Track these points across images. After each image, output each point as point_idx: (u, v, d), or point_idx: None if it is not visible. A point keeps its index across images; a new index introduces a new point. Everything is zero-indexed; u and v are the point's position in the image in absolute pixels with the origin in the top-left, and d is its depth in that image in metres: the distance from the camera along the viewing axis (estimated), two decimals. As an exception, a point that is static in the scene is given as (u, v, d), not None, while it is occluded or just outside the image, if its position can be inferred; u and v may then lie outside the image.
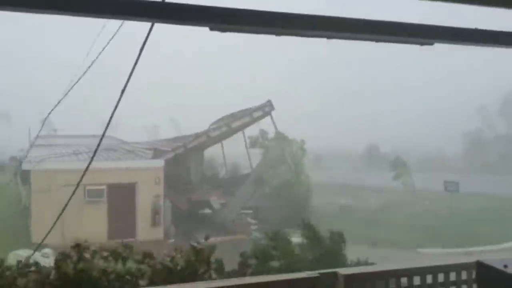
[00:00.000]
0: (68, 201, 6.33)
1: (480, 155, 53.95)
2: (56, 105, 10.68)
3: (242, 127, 28.59)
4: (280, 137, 29.54)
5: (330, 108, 66.06)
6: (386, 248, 22.38)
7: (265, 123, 28.66)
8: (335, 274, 3.82)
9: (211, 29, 2.06)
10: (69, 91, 9.38)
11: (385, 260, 14.09)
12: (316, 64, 73.92)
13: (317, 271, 3.76)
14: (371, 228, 26.36)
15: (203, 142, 27.71)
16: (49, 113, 11.90)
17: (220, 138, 30.43)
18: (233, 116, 28.41)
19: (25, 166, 23.88)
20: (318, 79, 73.80)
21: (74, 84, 9.04)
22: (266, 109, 27.26)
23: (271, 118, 27.93)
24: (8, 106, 63.43)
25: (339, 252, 8.20)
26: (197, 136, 27.34)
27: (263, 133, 30.02)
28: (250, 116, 27.25)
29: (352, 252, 10.75)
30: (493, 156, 52.32)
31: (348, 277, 3.80)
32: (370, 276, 4.02)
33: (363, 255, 10.46)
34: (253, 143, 29.82)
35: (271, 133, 29.82)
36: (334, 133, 55.94)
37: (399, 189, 36.63)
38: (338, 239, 8.40)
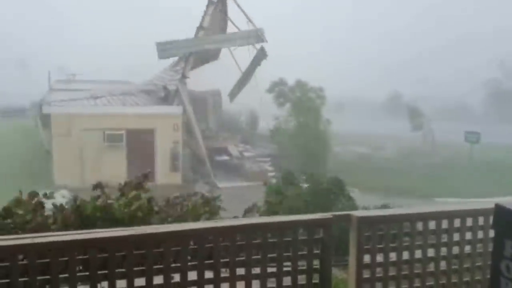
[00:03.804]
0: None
1: (502, 106, 52.67)
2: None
3: (216, 18, 27.44)
4: (300, 84, 29.13)
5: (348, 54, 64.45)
6: (403, 196, 22.38)
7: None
8: (348, 216, 3.77)
9: None
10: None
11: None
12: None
13: (330, 213, 3.71)
14: (389, 177, 26.31)
15: (204, 55, 26.93)
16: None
17: (215, 47, 28.83)
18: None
19: (45, 110, 24.10)
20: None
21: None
22: None
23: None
24: (27, 52, 63.42)
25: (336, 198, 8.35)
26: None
27: (282, 80, 29.63)
28: None
29: (368, 199, 10.76)
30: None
31: (361, 219, 3.74)
32: (384, 219, 3.95)
33: (378, 203, 10.44)
34: (271, 89, 29.31)
35: (291, 82, 29.41)
36: (355, 81, 54.96)
37: (419, 138, 36.23)
38: (337, 185, 8.50)
